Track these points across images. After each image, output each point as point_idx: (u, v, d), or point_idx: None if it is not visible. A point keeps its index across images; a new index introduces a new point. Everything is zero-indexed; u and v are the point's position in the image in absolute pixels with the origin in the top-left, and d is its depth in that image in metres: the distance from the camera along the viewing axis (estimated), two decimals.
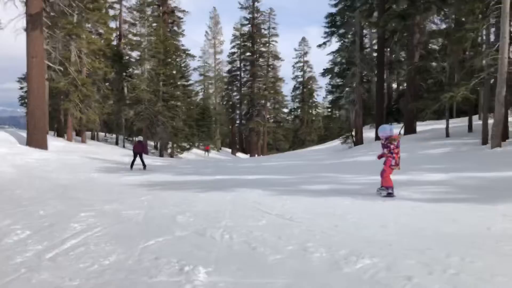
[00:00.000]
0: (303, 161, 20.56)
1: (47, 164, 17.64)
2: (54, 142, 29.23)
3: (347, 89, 25.20)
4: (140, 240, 3.28)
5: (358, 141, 25.71)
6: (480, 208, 4.64)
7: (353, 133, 26.79)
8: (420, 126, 27.19)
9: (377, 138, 25.81)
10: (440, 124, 27.20)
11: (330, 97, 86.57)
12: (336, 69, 25.79)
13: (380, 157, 6.81)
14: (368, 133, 29.52)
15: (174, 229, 3.67)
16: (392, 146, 6.59)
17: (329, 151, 27.67)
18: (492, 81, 17.56)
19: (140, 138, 21.87)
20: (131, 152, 20.80)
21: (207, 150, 55.96)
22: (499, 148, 14.85)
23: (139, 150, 18.34)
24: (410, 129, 24.38)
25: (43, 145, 24.47)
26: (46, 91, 33.80)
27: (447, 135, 20.37)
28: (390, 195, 5.95)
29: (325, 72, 26.09)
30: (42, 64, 25.08)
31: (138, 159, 17.72)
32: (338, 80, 27.32)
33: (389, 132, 6.79)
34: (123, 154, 30.88)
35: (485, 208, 4.61)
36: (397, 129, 29.99)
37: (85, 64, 31.01)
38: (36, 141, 24.21)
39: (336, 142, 33.28)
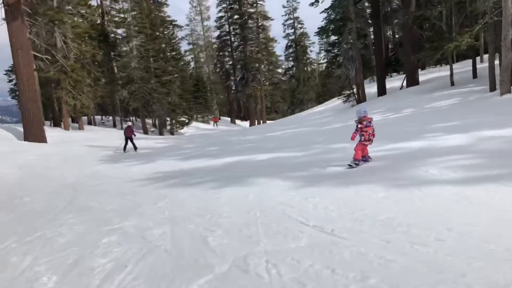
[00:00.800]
0: (308, 127, 20.15)
1: (48, 159, 17.26)
2: (52, 133, 28.75)
3: (344, 46, 24.42)
4: (180, 283, 2.91)
5: (361, 98, 25.20)
6: None
7: (354, 91, 26.25)
8: (422, 76, 26.56)
9: (380, 94, 25.31)
10: (442, 72, 26.57)
11: (323, 55, 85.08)
12: (331, 27, 24.87)
13: (354, 136, 7.66)
14: (369, 88, 28.96)
15: (211, 259, 3.31)
16: (360, 126, 7.53)
17: (332, 112, 27.18)
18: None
19: (129, 123, 22.64)
20: None
21: (215, 122, 56.61)
22: (509, 95, 14.42)
23: (129, 135, 20.01)
24: (412, 81, 23.82)
25: (41, 138, 24.05)
26: (36, 82, 33.08)
27: (452, 83, 19.85)
28: (354, 166, 7.16)
29: (320, 31, 25.21)
30: (29, 55, 24.29)
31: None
32: (334, 38, 26.47)
33: (363, 114, 7.57)
34: (122, 137, 30.42)
35: None
36: (399, 81, 29.47)
37: (72, 49, 30.04)
38: (33, 135, 23.77)
39: (337, 101, 32.72)
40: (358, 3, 24.18)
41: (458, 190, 4.39)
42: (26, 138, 23.54)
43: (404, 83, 25.45)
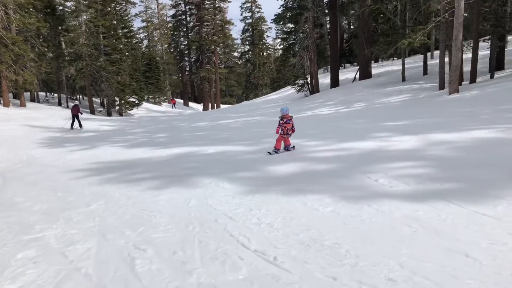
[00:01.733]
0: (261, 116, 19.87)
1: None
2: None
3: (300, 34, 24.19)
4: None
5: (314, 89, 25.18)
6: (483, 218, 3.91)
7: (308, 81, 26.20)
8: (374, 69, 26.96)
9: (333, 85, 25.39)
10: (394, 66, 27.05)
11: (279, 41, 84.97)
12: (288, 14, 24.51)
13: (278, 130, 9.00)
14: (323, 79, 29.07)
15: None
16: (281, 122, 8.95)
17: (286, 101, 27.03)
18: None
19: (76, 102, 24.89)
20: None
21: (173, 104, 56.10)
22: (457, 94, 14.77)
23: (75, 113, 21.27)
24: (365, 74, 24.06)
25: None
26: None
27: (403, 79, 20.18)
28: (273, 153, 8.73)
29: (277, 19, 24.80)
30: None
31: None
32: (290, 26, 26.16)
33: (285, 112, 9.00)
34: (66, 116, 28.84)
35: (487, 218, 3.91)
36: (352, 72, 29.72)
37: (13, 20, 27.93)
38: None
39: (291, 90, 32.66)
40: None
41: (409, 209, 4.18)
42: None
43: (357, 76, 25.68)
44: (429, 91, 16.83)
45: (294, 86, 26.76)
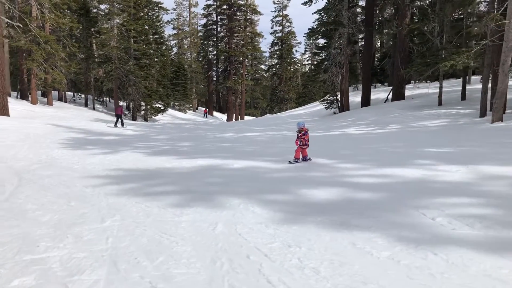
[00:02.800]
0: (287, 131, 19.17)
1: (6, 136, 15.82)
2: (17, 105, 26.94)
3: (333, 50, 23.53)
4: None
5: (344, 106, 24.40)
6: None
7: (338, 98, 25.44)
8: (407, 90, 26.01)
9: (364, 104, 24.57)
10: (428, 88, 26.08)
11: (307, 56, 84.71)
12: (322, 29, 23.91)
13: (297, 142, 9.85)
14: (352, 97, 28.24)
15: None
16: (299, 134, 9.85)
17: (313, 117, 26.31)
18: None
19: (121, 103, 30.36)
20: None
21: (205, 113, 57.52)
22: (501, 123, 13.80)
23: (120, 113, 24.73)
24: (398, 95, 23.17)
25: (3, 111, 22.40)
26: (6, 49, 31.01)
27: (440, 103, 19.24)
28: (294, 162, 9.48)
29: (310, 33, 24.23)
30: None
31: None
32: (323, 41, 25.56)
33: (301, 126, 10.00)
34: (92, 118, 28.80)
35: None
36: (383, 92, 28.82)
37: (47, 19, 28.15)
38: None
39: (319, 106, 31.90)
40: (352, 8, 23.30)
41: (488, 264, 3.38)
42: None
43: (390, 96, 24.80)
44: (469, 117, 15.88)
45: (323, 102, 26.03)
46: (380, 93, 29.18)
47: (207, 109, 60.31)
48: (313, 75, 27.56)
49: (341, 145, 12.45)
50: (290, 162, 9.54)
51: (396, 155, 9.82)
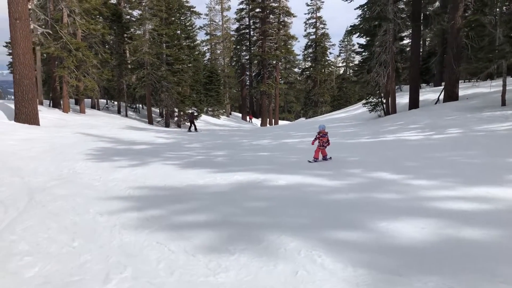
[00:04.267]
0: (332, 137, 17.45)
1: (31, 146, 14.92)
2: (48, 114, 26.40)
3: (377, 49, 21.66)
4: None
5: (390, 109, 22.42)
6: None
7: (383, 100, 23.49)
8: (460, 90, 23.73)
9: (412, 106, 22.55)
10: (482, 87, 23.71)
11: (341, 58, 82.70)
12: (366, 26, 22.05)
13: (313, 142, 10.52)
14: (398, 99, 26.14)
15: None
16: (318, 136, 10.32)
17: (356, 121, 24.42)
18: None
19: (191, 110, 33.09)
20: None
21: (251, 119, 58.58)
22: None
23: (192, 119, 27.48)
24: (451, 95, 21.00)
25: (33, 120, 21.74)
26: (38, 57, 30.72)
27: (503, 103, 17.04)
28: (313, 162, 10.10)
29: (352, 30, 22.43)
30: (27, 26, 21.86)
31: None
32: (366, 39, 23.70)
33: (321, 128, 10.40)
34: (124, 125, 27.95)
35: None
36: (431, 93, 26.61)
37: (78, 25, 27.54)
38: (25, 115, 21.46)
39: (360, 109, 29.95)
40: (398, 1, 21.39)
41: None
42: (16, 119, 21.29)
43: (441, 97, 22.66)
44: None
45: (366, 104, 24.14)
46: (427, 94, 26.95)
47: (252, 115, 60.71)
48: (356, 75, 25.70)
49: (400, 154, 10.67)
50: (310, 162, 10.26)
51: (477, 167, 7.99)
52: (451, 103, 20.30)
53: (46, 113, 26.62)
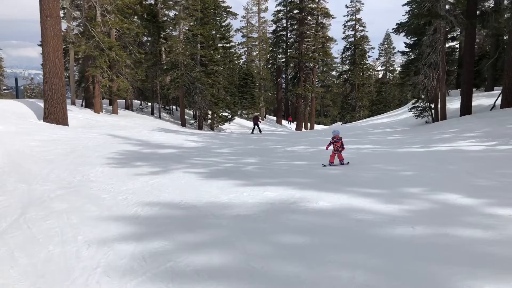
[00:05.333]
0: (374, 144, 15.73)
1: (53, 148, 14.03)
2: (78, 114, 25.82)
3: (426, 48, 19.72)
4: None
5: (440, 115, 20.38)
6: None
7: (431, 105, 21.46)
8: None
9: (464, 112, 20.45)
10: None
11: (381, 61, 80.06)
12: (415, 23, 20.14)
13: (327, 147, 10.85)
14: (447, 104, 23.96)
15: None
16: (332, 141, 10.54)
17: (400, 127, 22.47)
18: None
19: (256, 114, 34.08)
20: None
21: (290, 121, 58.13)
22: None
23: (256, 121, 28.83)
24: (511, 101, 18.79)
25: (62, 120, 21.08)
26: (71, 56, 30.38)
27: None
28: (327, 165, 10.39)
29: (399, 27, 20.56)
30: (58, 24, 21.25)
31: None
32: (413, 39, 21.75)
33: (336, 134, 10.59)
34: (155, 127, 27.03)
35: None
36: (485, 98, 24.29)
37: (109, 23, 26.87)
38: (54, 115, 20.82)
39: (404, 114, 27.88)
40: None
41: None
42: (45, 118, 20.70)
43: (497, 102, 20.43)
44: None
45: (412, 109, 22.14)
46: (479, 99, 24.63)
47: (291, 117, 59.54)
48: (401, 77, 23.74)
49: (464, 168, 8.92)
50: (324, 165, 10.43)
51: None
52: (511, 109, 18.14)
53: (76, 113, 26.07)
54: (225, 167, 11.19)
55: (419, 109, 21.52)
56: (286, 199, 6.49)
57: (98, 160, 12.13)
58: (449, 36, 22.76)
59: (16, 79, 55.69)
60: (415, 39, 21.16)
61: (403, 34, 21.46)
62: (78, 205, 6.73)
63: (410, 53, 21.87)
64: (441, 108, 20.20)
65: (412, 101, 22.35)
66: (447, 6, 19.15)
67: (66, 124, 21.20)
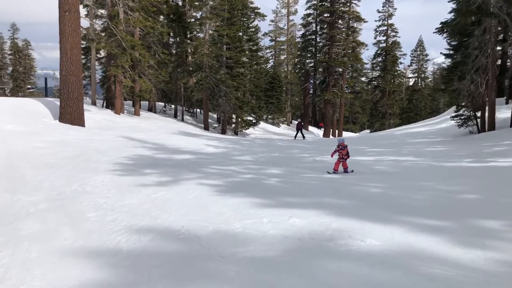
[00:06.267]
0: (415, 156, 13.85)
1: (60, 150, 12.89)
2: (97, 115, 24.77)
3: (474, 51, 17.71)
4: None
5: (488, 125, 18.28)
6: None
7: (478, 113, 19.36)
8: None
9: None
10: None
11: (413, 68, 77.41)
12: (460, 20, 18.15)
13: (332, 154, 10.91)
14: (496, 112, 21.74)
15: None
16: (337, 148, 10.54)
17: (442, 137, 20.40)
18: None
19: (299, 120, 33.67)
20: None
21: (321, 127, 56.70)
22: None
23: (300, 127, 28.78)
24: None
25: (78, 120, 20.00)
26: (93, 55, 29.50)
27: None
28: (331, 173, 10.37)
29: (444, 27, 18.61)
30: (77, 19, 20.22)
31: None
32: (456, 41, 19.71)
33: (341, 141, 10.78)
34: (176, 130, 25.71)
35: None
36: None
37: (132, 22, 25.76)
38: (70, 115, 19.77)
39: (444, 123, 25.73)
40: None
41: None
42: (61, 118, 19.69)
43: None
44: None
45: (455, 118, 20.06)
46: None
47: (322, 123, 57.76)
48: (443, 82, 21.69)
49: None
50: (328, 173, 10.42)
51: None
52: None
53: (95, 113, 25.04)
54: (244, 179, 9.63)
55: (462, 117, 19.43)
56: (320, 232, 4.85)
57: (104, 166, 10.79)
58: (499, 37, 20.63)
59: (45, 79, 55.91)
60: (461, 40, 19.13)
61: (444, 35, 19.43)
62: (52, 228, 5.30)
63: (455, 56, 19.82)
64: (489, 117, 18.11)
65: (454, 109, 20.23)
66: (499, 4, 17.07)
67: (82, 125, 20.12)
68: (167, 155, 13.76)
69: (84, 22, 25.92)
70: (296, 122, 58.02)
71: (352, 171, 10.52)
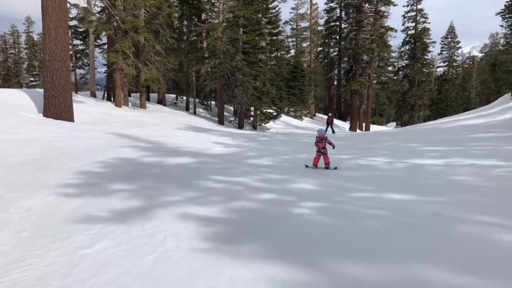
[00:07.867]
0: (503, 160, 9.91)
1: (13, 152, 9.73)
2: (93, 108, 21.39)
3: None
4: None
5: None
6: None
7: None
8: None
9: None
10: None
11: (443, 56, 72.05)
12: None
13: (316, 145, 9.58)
14: None
15: None
16: (316, 141, 9.41)
17: (503, 131, 16.33)
18: None
19: (330, 114, 29.85)
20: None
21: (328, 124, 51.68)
22: None
23: (330, 122, 27.50)
24: None
25: (65, 114, 16.70)
26: (91, 40, 26.16)
27: None
28: (309, 167, 9.32)
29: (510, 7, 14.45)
30: None
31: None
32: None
33: (321, 133, 9.49)
34: (184, 125, 22.11)
35: None
36: None
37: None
38: (55, 107, 16.45)
39: (502, 115, 21.52)
40: None
41: None
42: (45, 111, 16.47)
43: None
44: None
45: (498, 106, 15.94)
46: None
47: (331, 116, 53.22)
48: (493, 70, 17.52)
49: None
50: (307, 166, 9.50)
51: None
52: None
53: (91, 106, 21.69)
54: (258, 205, 5.94)
55: None
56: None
57: (57, 178, 7.35)
58: None
59: None
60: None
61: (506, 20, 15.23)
62: None
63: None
64: None
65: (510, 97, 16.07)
66: None
67: (71, 119, 16.83)
68: (158, 158, 10.19)
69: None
70: (326, 117, 54.17)
71: (336, 168, 9.23)
